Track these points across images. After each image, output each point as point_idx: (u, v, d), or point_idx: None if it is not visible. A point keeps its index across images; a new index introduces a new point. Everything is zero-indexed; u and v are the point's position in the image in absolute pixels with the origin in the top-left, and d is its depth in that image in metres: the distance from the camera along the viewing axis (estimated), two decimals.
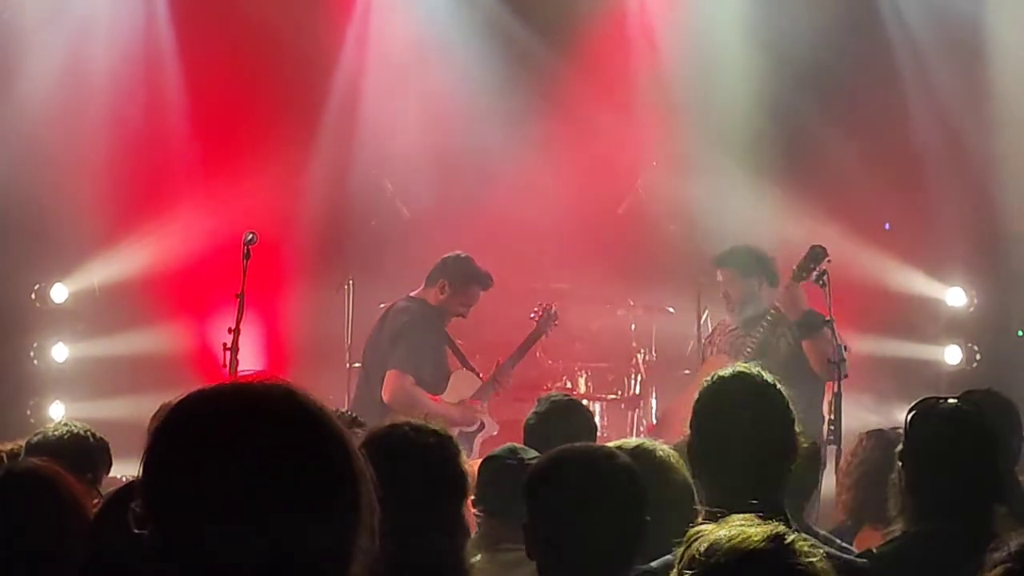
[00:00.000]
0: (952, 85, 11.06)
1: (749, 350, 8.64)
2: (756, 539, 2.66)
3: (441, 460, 3.97)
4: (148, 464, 2.05)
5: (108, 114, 11.03)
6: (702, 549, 2.68)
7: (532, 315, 10.27)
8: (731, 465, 3.94)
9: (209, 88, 11.20)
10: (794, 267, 8.55)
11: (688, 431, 4.16)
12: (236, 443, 1.99)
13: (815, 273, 8.42)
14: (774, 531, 2.69)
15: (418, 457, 3.93)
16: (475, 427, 9.73)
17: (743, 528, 2.70)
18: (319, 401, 2.08)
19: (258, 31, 11.22)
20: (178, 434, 2.04)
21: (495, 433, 9.75)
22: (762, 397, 4.04)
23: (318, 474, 2.01)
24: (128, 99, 11.14)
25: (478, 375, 9.94)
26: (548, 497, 3.58)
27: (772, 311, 8.70)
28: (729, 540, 2.67)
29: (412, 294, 9.65)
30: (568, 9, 11.74)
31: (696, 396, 4.16)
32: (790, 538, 2.68)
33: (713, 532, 2.72)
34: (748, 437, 3.95)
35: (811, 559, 2.65)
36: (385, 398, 9.12)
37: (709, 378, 4.19)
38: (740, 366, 4.21)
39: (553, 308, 10.31)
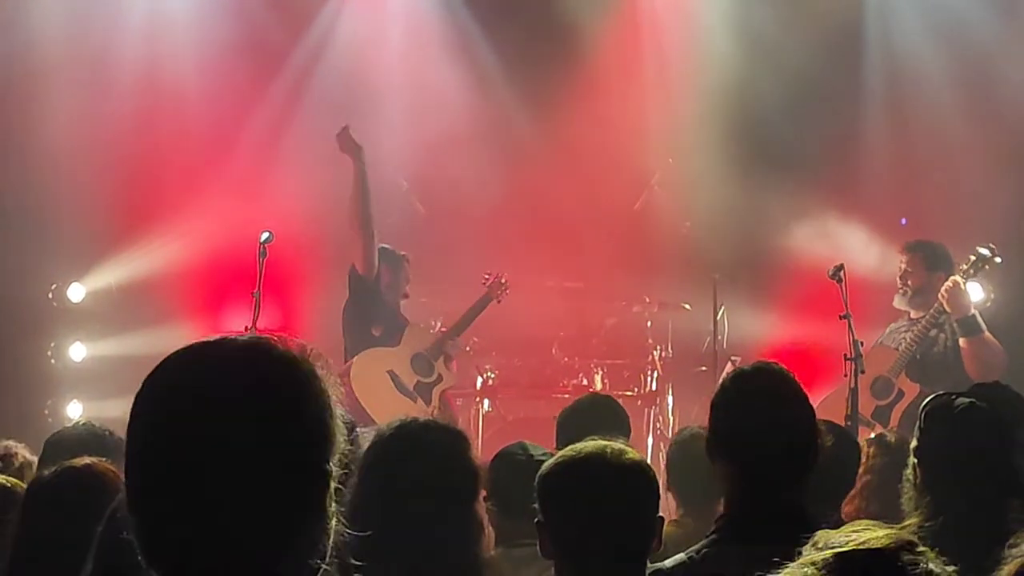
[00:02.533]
0: (969, 84, 11.11)
1: (910, 341, 8.83)
2: (884, 542, 2.61)
3: (452, 456, 3.97)
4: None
5: (125, 115, 11.06)
6: (829, 548, 2.64)
7: (484, 280, 10.29)
8: (747, 463, 3.92)
9: (225, 87, 11.23)
10: (963, 265, 8.80)
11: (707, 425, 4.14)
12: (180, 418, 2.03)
13: (981, 271, 8.80)
14: (904, 538, 2.64)
15: (429, 454, 3.93)
16: (433, 377, 9.76)
17: (870, 531, 2.66)
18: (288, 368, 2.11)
19: (270, 30, 11.27)
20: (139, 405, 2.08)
21: (453, 384, 9.85)
22: (781, 394, 4.01)
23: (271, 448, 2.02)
24: (145, 100, 11.16)
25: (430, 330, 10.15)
26: (560, 494, 3.57)
27: (938, 305, 8.83)
28: (857, 542, 2.62)
29: None
30: (583, 5, 11.76)
31: (717, 388, 4.15)
32: (921, 548, 2.63)
33: (838, 535, 2.68)
34: (765, 435, 3.93)
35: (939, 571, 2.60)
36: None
37: (732, 372, 4.19)
38: (763, 362, 4.19)
39: (504, 277, 10.29)
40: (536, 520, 3.59)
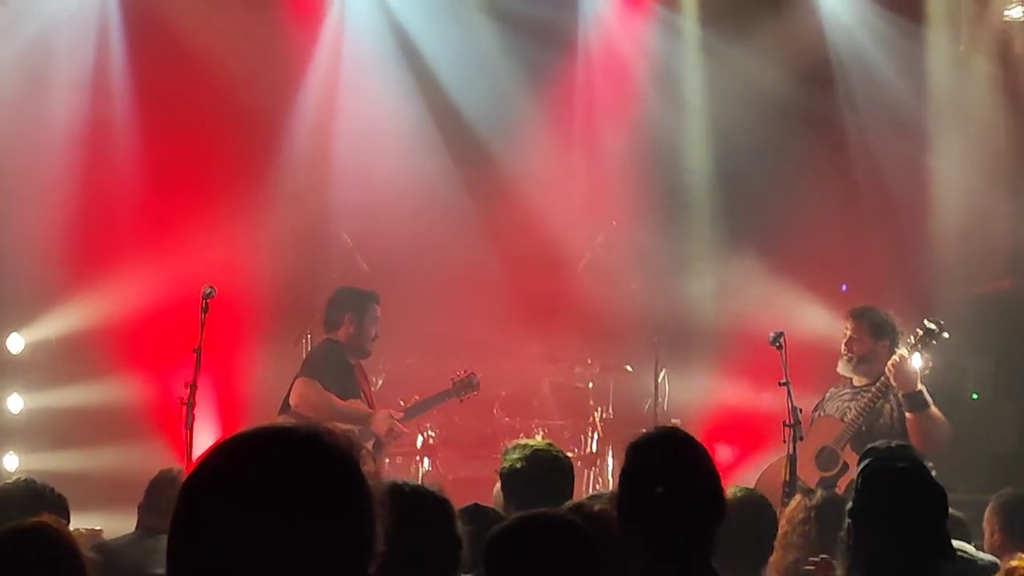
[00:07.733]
0: (899, 157, 11.29)
1: (856, 413, 8.82)
2: None
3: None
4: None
5: (67, 165, 10.99)
6: None
7: (453, 377, 10.11)
8: (656, 527, 3.91)
9: (168, 140, 11.18)
10: (910, 339, 8.79)
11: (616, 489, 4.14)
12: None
13: (928, 346, 8.78)
14: None
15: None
16: (370, 441, 9.54)
17: None
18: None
19: (217, 84, 11.25)
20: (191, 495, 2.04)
21: (378, 472, 9.55)
22: (686, 457, 4.01)
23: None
24: (86, 150, 11.10)
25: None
26: (505, 566, 3.56)
27: (884, 377, 8.82)
28: None
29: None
30: (528, 66, 11.86)
31: (625, 456, 4.13)
32: None
33: None
34: (672, 498, 3.92)
35: None
36: (292, 402, 9.28)
37: (637, 439, 4.15)
38: (667, 427, 4.18)
39: (476, 378, 10.14)
40: None
